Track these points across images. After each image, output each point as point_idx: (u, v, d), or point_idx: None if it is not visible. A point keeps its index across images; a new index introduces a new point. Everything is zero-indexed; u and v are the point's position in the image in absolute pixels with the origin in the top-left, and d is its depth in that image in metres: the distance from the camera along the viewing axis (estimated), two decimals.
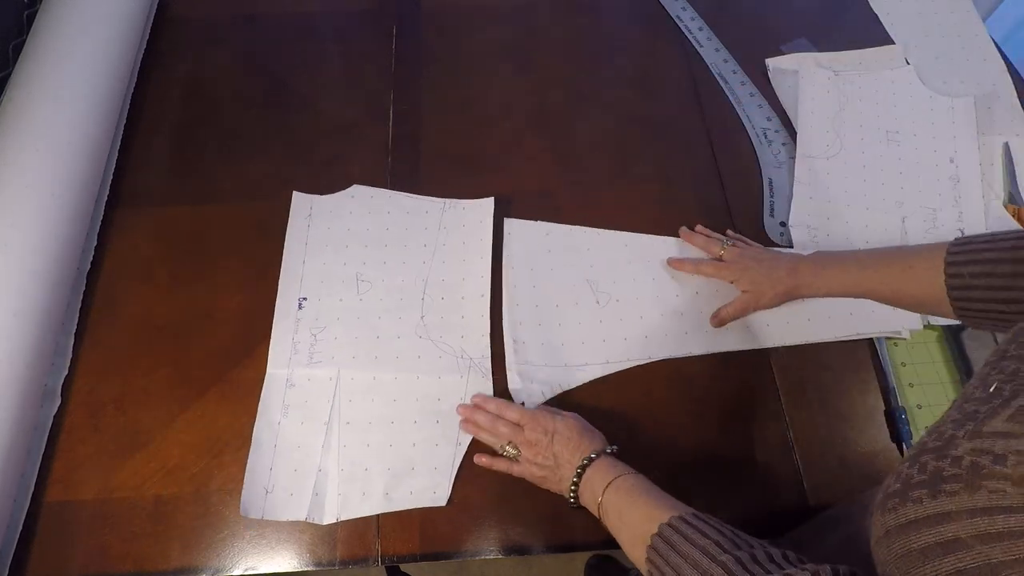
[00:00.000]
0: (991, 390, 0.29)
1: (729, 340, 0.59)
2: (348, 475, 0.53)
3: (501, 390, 0.57)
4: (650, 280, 0.62)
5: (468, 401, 0.56)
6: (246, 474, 0.53)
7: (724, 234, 0.64)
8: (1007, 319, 0.43)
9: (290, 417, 0.55)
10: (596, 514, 0.47)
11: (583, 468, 0.48)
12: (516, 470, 0.52)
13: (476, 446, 0.54)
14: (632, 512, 0.44)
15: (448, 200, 0.66)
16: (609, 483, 0.46)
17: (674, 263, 0.62)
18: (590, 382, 0.57)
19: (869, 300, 0.53)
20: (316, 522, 0.51)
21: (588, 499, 0.48)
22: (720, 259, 0.61)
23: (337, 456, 0.54)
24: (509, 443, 0.52)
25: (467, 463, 0.54)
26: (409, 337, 0.59)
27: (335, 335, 0.59)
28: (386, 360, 0.58)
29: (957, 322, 0.59)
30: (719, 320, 0.59)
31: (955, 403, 0.31)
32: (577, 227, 0.65)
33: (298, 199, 0.65)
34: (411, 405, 0.56)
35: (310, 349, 0.58)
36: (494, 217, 0.64)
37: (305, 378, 0.57)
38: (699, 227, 0.64)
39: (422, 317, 0.60)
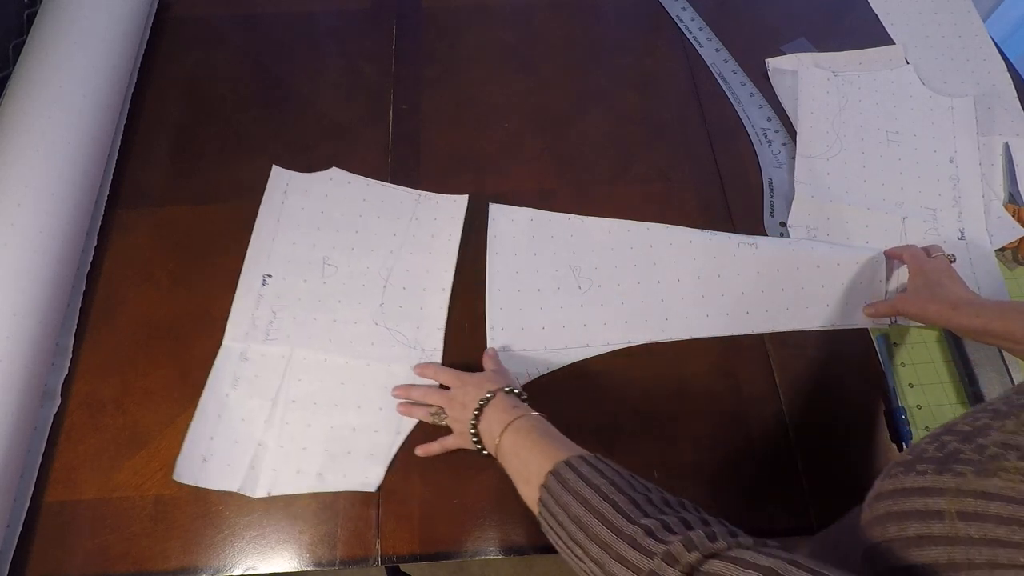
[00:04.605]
0: None
1: (705, 327, 0.59)
2: (286, 452, 0.53)
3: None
4: (632, 266, 0.62)
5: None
6: (185, 441, 0.53)
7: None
8: None
9: (239, 390, 0.56)
10: (495, 454, 0.46)
11: (480, 408, 0.48)
12: (451, 442, 0.51)
13: (417, 438, 0.54)
14: (529, 453, 0.42)
15: (423, 193, 0.66)
16: (508, 424, 0.45)
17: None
18: (570, 366, 0.58)
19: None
20: (248, 495, 0.52)
21: (488, 442, 0.47)
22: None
23: (278, 432, 0.54)
24: (439, 410, 0.52)
25: (467, 463, 0.53)
26: (366, 323, 0.59)
27: (294, 315, 0.59)
28: (340, 343, 0.58)
29: None
30: (874, 311, 0.58)
31: (1003, 395, 0.30)
32: (560, 213, 0.65)
33: (276, 173, 0.66)
34: (357, 390, 0.56)
35: (268, 326, 0.58)
36: (483, 208, 0.64)
37: (259, 354, 0.57)
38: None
39: (381, 304, 0.60)
